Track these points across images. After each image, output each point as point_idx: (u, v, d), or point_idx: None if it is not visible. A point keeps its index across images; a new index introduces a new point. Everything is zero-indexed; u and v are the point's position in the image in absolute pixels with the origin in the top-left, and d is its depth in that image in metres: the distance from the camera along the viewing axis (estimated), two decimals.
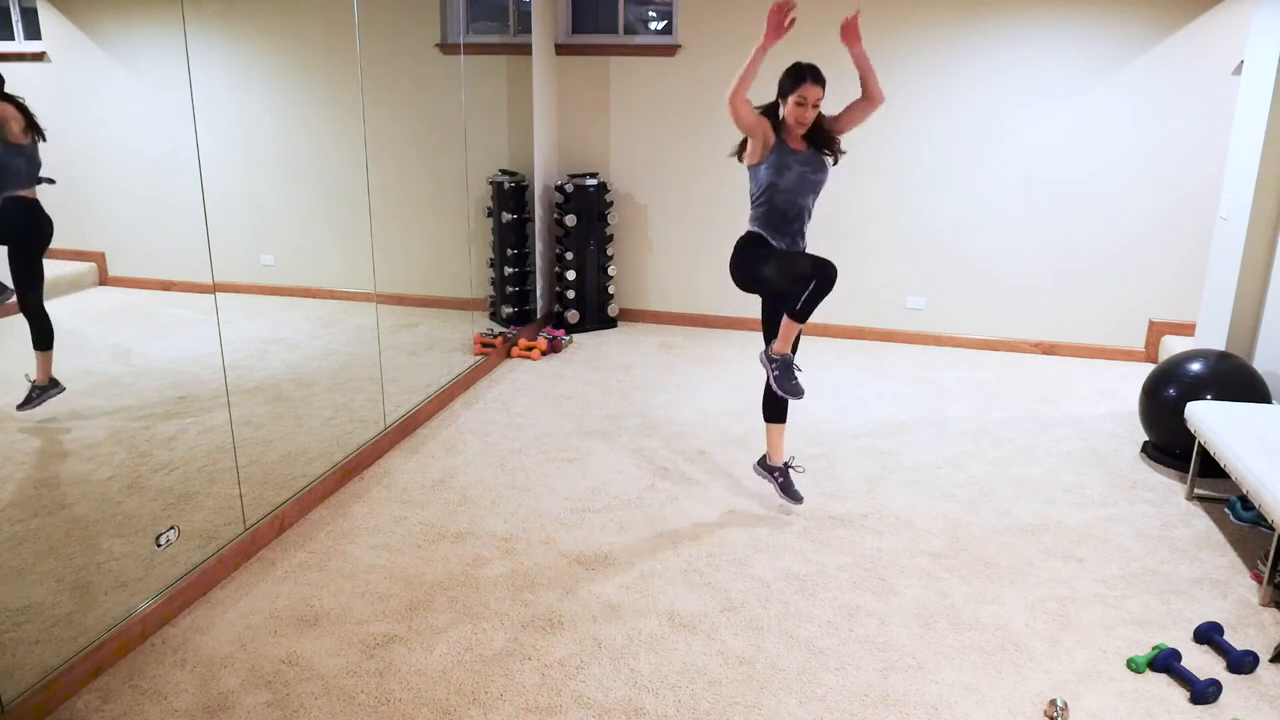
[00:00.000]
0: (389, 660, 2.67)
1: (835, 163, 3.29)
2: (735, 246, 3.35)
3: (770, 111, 3.21)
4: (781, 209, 3.23)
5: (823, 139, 3.23)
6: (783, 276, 3.21)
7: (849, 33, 3.17)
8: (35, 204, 2.71)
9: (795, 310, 3.20)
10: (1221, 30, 4.94)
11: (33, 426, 2.86)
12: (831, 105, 3.22)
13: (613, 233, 5.92)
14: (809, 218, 3.29)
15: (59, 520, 2.86)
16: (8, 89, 2.57)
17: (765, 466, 3.59)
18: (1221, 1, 4.91)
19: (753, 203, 3.30)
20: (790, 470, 3.55)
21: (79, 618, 2.63)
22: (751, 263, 3.29)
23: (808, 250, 3.33)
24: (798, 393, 3.32)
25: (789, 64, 3.18)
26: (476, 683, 2.58)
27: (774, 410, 3.50)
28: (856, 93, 3.26)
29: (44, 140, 2.66)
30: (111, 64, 3.02)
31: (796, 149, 3.21)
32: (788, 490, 3.52)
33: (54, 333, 2.82)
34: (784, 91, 3.15)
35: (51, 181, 2.70)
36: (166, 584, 2.85)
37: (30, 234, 2.74)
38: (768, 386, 3.41)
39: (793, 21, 3.04)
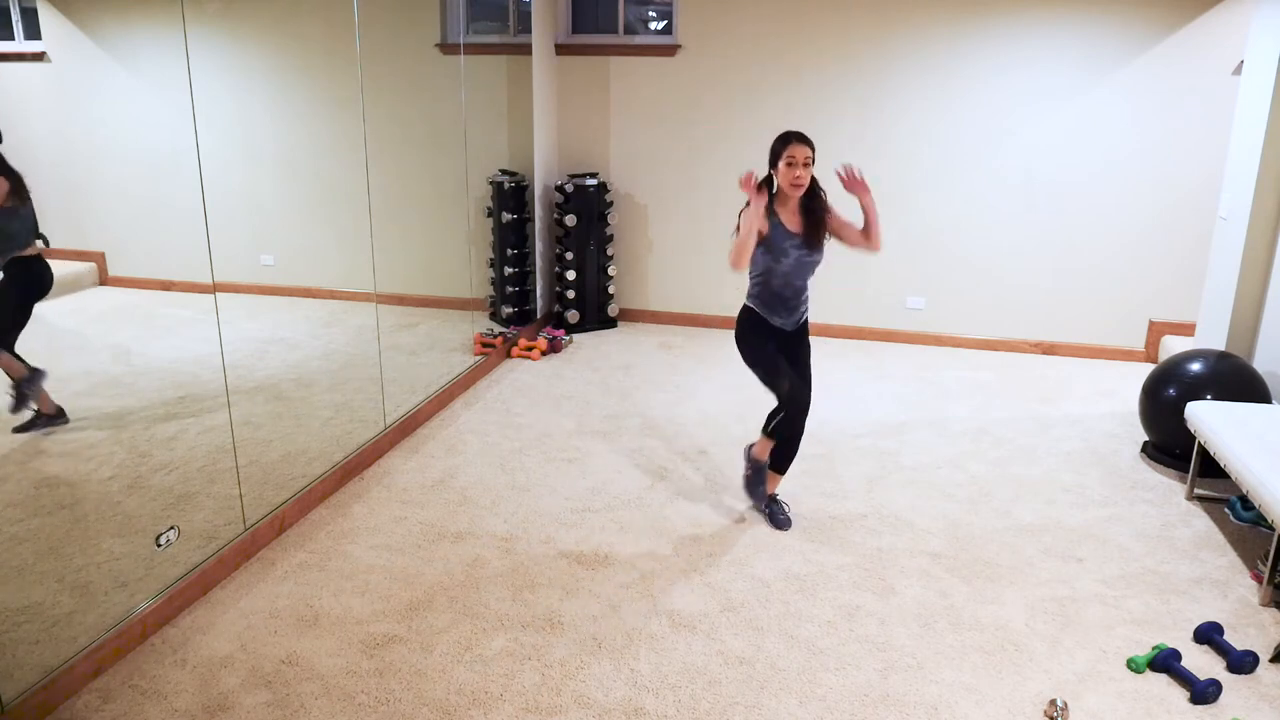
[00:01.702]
0: (389, 660, 2.67)
1: (823, 243, 3.32)
2: (738, 322, 3.42)
3: (765, 186, 3.24)
4: (777, 292, 3.30)
5: (815, 215, 3.26)
6: (768, 378, 3.37)
7: (853, 186, 3.23)
8: (37, 259, 2.73)
9: (766, 428, 3.44)
10: (1221, 30, 4.94)
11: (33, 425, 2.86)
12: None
13: (613, 233, 5.92)
14: (806, 294, 3.36)
15: (59, 520, 2.86)
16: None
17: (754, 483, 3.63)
18: (1221, 1, 4.91)
19: (750, 278, 3.36)
20: (779, 503, 3.56)
21: (79, 618, 2.63)
22: (752, 351, 3.38)
23: (808, 318, 3.42)
24: (758, 497, 3.56)
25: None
26: (476, 683, 2.58)
27: (777, 459, 3.51)
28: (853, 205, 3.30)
29: (26, 202, 2.64)
30: (111, 64, 3.02)
31: (792, 230, 3.24)
32: (773, 519, 3.52)
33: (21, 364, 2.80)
34: (774, 158, 3.22)
35: (46, 242, 2.70)
36: (166, 584, 2.85)
37: (30, 289, 2.76)
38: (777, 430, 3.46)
39: (761, 190, 3.16)
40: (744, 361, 3.44)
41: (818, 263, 3.31)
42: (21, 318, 2.76)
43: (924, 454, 4.14)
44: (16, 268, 2.71)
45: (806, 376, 3.42)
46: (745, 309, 3.40)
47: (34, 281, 2.77)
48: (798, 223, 3.26)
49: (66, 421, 2.94)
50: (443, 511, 3.54)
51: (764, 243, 3.24)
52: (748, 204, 3.19)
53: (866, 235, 3.31)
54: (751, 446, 3.58)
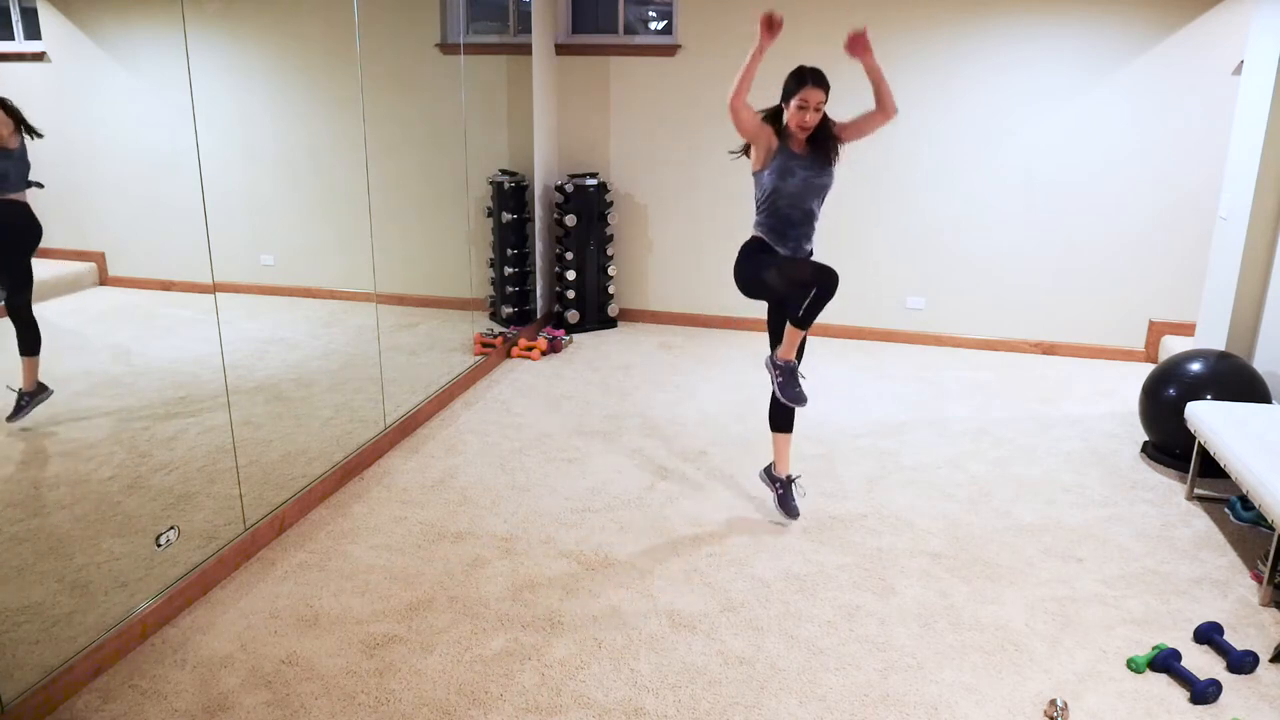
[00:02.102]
0: (389, 660, 2.67)
1: (833, 163, 3.21)
2: (739, 252, 3.31)
3: (774, 116, 3.18)
4: (785, 214, 3.19)
5: (823, 140, 3.17)
6: (783, 282, 3.18)
7: (858, 45, 3.09)
8: (25, 207, 2.68)
9: (797, 317, 3.18)
10: (1221, 30, 4.94)
11: (32, 426, 2.86)
12: (838, 111, 3.21)
13: (613, 233, 5.92)
14: (815, 222, 3.25)
15: (59, 520, 2.86)
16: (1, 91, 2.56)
17: (769, 475, 3.59)
18: (1221, 1, 4.91)
19: (757, 208, 3.27)
20: (792, 486, 3.53)
21: (79, 618, 2.63)
22: (754, 269, 3.24)
23: (813, 256, 3.30)
24: (801, 400, 3.29)
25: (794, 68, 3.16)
26: (476, 683, 2.58)
27: (779, 419, 3.49)
28: (864, 103, 3.20)
29: (38, 136, 2.61)
30: (111, 64, 3.02)
31: (799, 153, 3.17)
32: (784, 503, 3.50)
33: (41, 338, 2.79)
34: (787, 94, 3.12)
35: (40, 185, 2.67)
36: (166, 584, 2.85)
37: (20, 237, 2.72)
38: (774, 395, 3.39)
39: (780, 23, 3.00)
40: (746, 283, 3.27)
41: (827, 186, 3.20)
42: (24, 274, 2.73)
43: (924, 454, 4.14)
44: (4, 210, 2.66)
45: (820, 267, 3.16)
46: (751, 239, 3.27)
47: (24, 229, 2.71)
48: (805, 148, 3.17)
49: (51, 392, 2.89)
50: (443, 511, 3.55)
51: (770, 162, 3.16)
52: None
53: (879, 105, 3.15)
54: (772, 356, 3.39)
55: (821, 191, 3.20)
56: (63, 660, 2.49)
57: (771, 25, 2.98)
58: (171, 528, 2.98)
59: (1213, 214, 5.10)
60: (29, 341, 2.78)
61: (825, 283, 3.07)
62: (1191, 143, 5.13)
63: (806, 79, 3.07)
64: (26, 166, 2.65)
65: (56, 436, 2.94)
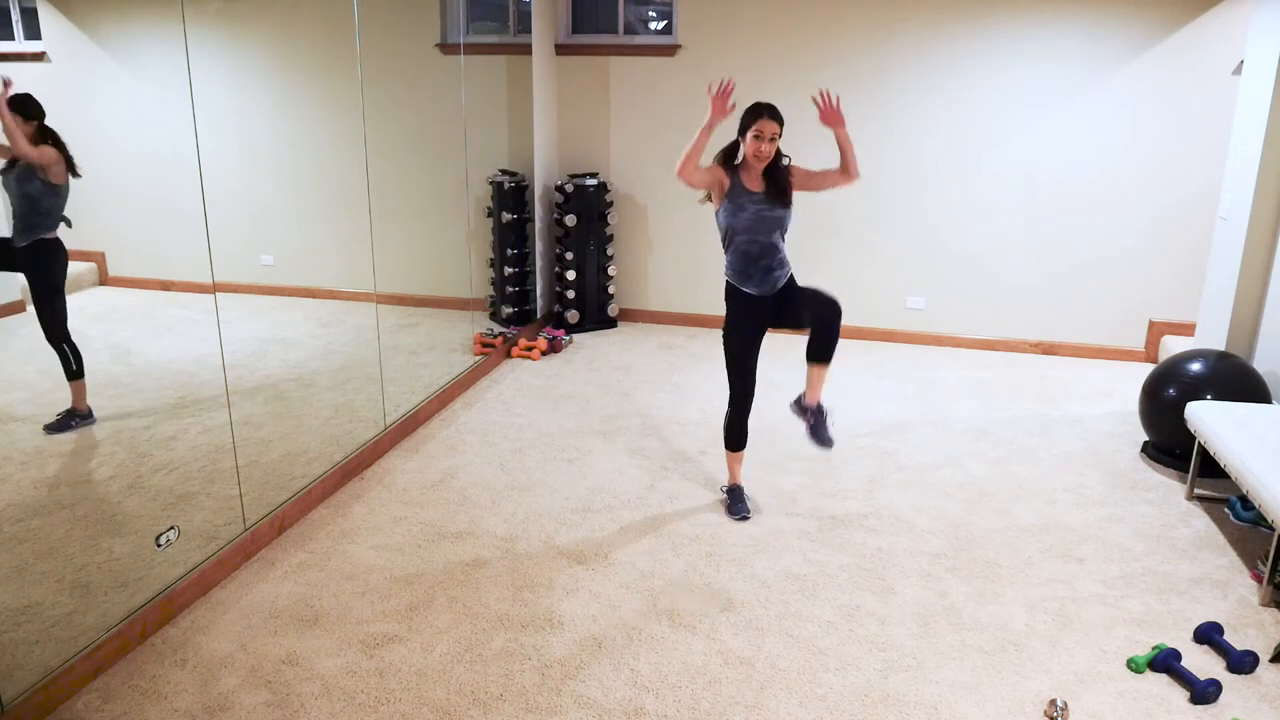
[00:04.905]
0: (389, 660, 2.67)
1: (787, 201, 3.30)
2: (725, 312, 3.41)
3: (730, 152, 3.28)
4: (744, 250, 3.28)
5: (777, 178, 3.27)
6: (793, 324, 3.34)
7: (831, 117, 3.24)
8: (59, 242, 2.77)
9: (814, 353, 3.33)
10: (1221, 30, 4.94)
11: (32, 427, 2.86)
12: (800, 148, 3.30)
13: (613, 233, 5.92)
14: (778, 254, 3.31)
15: (59, 520, 2.86)
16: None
17: (800, 406, 3.57)
18: (1221, 1, 4.91)
19: (724, 250, 3.37)
20: (824, 415, 3.51)
21: (79, 618, 2.63)
22: (726, 337, 3.38)
23: (791, 282, 3.35)
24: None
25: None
26: (476, 683, 2.58)
27: (817, 351, 3.42)
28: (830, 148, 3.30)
29: (78, 176, 2.69)
30: (111, 64, 3.02)
31: (752, 189, 3.26)
32: (816, 433, 3.49)
33: (84, 361, 2.86)
34: (743, 127, 3.24)
35: (69, 224, 2.74)
36: (166, 584, 2.85)
37: (57, 271, 2.81)
38: (813, 331, 3.39)
39: (734, 105, 3.15)
40: (730, 356, 3.42)
41: (781, 219, 3.28)
42: (63, 305, 2.81)
43: (924, 454, 4.14)
44: (41, 244, 2.74)
45: (818, 298, 3.31)
46: (726, 285, 3.39)
47: (60, 263, 2.81)
48: (759, 184, 3.27)
49: (94, 420, 3.00)
50: (443, 511, 3.55)
51: (724, 201, 3.26)
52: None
53: (844, 170, 3.29)
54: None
55: (777, 224, 3.29)
56: (63, 660, 2.49)
57: (724, 101, 3.11)
58: (171, 528, 2.98)
59: (1213, 214, 5.10)
60: (74, 366, 2.85)
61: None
62: (1191, 143, 5.13)
63: (762, 112, 3.21)
64: (64, 204, 2.73)
65: (56, 436, 2.94)
